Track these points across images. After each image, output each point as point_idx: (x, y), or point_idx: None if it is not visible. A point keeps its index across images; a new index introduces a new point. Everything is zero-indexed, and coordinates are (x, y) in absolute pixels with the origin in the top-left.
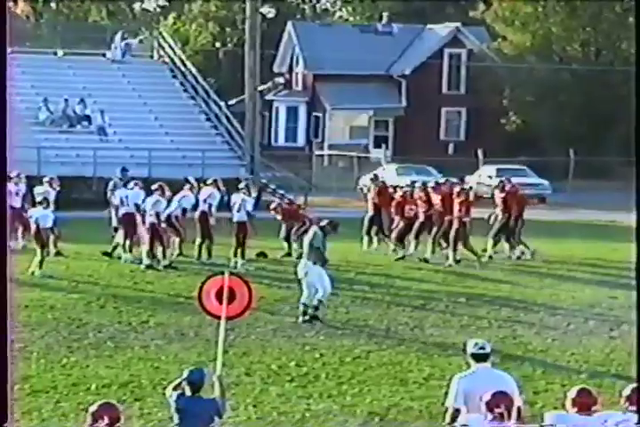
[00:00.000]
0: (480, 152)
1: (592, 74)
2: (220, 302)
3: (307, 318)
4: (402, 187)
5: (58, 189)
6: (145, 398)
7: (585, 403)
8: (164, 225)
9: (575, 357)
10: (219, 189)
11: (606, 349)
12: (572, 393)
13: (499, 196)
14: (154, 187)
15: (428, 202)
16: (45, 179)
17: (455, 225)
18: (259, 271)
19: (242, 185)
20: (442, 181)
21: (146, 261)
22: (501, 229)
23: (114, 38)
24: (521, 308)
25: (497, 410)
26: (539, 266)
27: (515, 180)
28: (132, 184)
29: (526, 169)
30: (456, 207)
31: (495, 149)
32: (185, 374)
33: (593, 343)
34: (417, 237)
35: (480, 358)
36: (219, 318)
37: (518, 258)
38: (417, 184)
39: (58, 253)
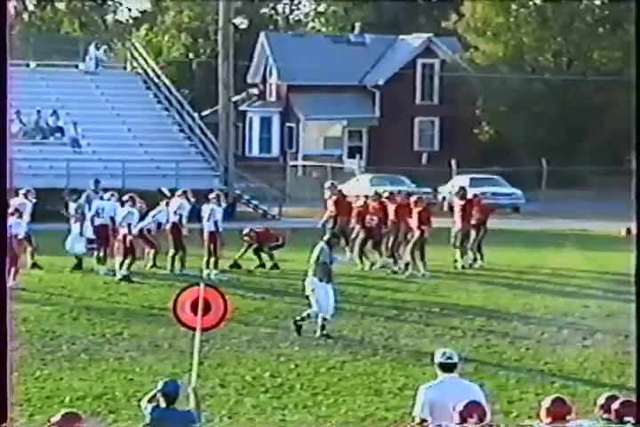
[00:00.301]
0: (453, 162)
1: (564, 84)
2: (195, 314)
3: (324, 332)
4: (359, 196)
5: (34, 200)
6: (119, 410)
7: (559, 412)
8: (134, 237)
9: (549, 366)
10: (188, 200)
11: (580, 357)
12: (547, 402)
13: (458, 204)
14: (125, 198)
15: (384, 212)
16: (22, 191)
17: (416, 234)
18: (232, 282)
19: (212, 195)
20: (396, 191)
21: (119, 273)
22: (463, 238)
23: (87, 50)
24: (494, 317)
25: (470, 420)
26: (512, 275)
27: (488, 189)
28: (108, 195)
29: (499, 179)
30: (415, 217)
31: (468, 159)
32: (159, 386)
33: (566, 352)
34: (375, 247)
35: (447, 367)
36: (194, 329)
37: (470, 266)
38: (371, 194)
39: (34, 265)
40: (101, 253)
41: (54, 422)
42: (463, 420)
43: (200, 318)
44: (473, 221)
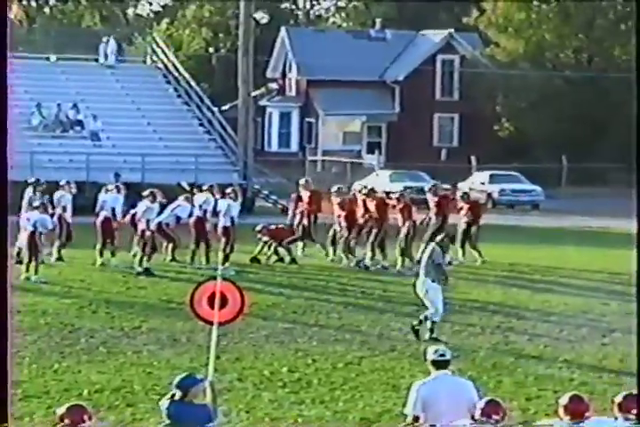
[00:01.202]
0: (473, 158)
1: (585, 80)
2: (212, 308)
3: (434, 335)
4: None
5: (74, 191)
6: (137, 403)
7: (577, 410)
8: (154, 233)
9: (567, 363)
10: (214, 195)
11: (598, 355)
12: (564, 400)
13: (432, 200)
14: (145, 193)
15: (365, 208)
16: (62, 182)
17: (404, 231)
18: (251, 277)
19: (229, 190)
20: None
21: (138, 267)
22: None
23: (108, 43)
24: (513, 314)
25: (494, 417)
26: (531, 272)
27: (508, 186)
28: (111, 188)
29: (519, 175)
30: (398, 213)
31: (488, 156)
32: (176, 380)
33: (585, 350)
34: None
35: (440, 364)
36: (211, 323)
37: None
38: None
39: (59, 259)
40: (107, 247)
41: (60, 415)
42: (488, 417)
43: (217, 312)
44: (465, 219)
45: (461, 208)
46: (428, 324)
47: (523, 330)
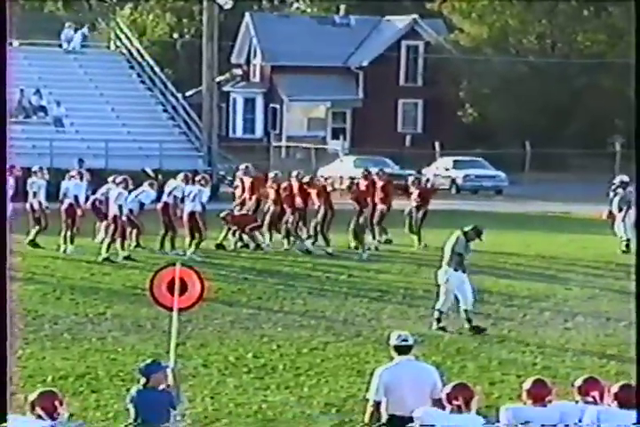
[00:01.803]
0: (437, 144)
1: (548, 66)
2: (172, 294)
3: (441, 325)
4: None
5: (47, 178)
6: (101, 389)
7: (540, 393)
8: (128, 219)
9: (531, 347)
10: (188, 182)
11: (561, 339)
12: (528, 384)
13: (363, 184)
14: (118, 180)
15: (303, 195)
16: (34, 169)
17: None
18: (216, 263)
19: (199, 177)
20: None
21: (104, 253)
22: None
23: (70, 29)
24: (477, 299)
25: (455, 402)
26: (495, 258)
27: (471, 171)
28: (74, 174)
29: (483, 161)
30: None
31: (452, 141)
32: (140, 367)
33: (548, 334)
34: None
35: (403, 350)
36: (171, 309)
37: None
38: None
39: (34, 245)
40: (68, 233)
41: (32, 401)
42: (449, 402)
43: (177, 299)
44: (414, 203)
45: (411, 193)
46: (463, 314)
47: (486, 315)
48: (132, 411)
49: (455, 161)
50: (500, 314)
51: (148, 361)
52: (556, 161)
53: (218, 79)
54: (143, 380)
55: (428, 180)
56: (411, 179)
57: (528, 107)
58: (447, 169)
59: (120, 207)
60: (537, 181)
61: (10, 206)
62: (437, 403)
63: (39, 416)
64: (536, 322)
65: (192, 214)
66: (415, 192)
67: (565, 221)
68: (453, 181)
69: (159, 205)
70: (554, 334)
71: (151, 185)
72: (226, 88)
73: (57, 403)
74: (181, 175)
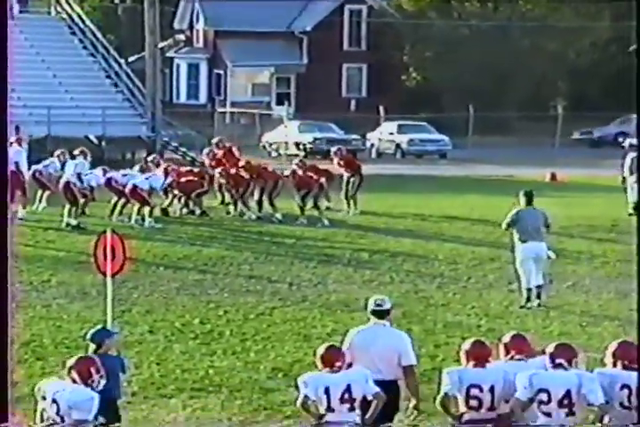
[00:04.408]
0: (382, 108)
1: (491, 30)
2: (105, 260)
3: (539, 301)
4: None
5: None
6: (47, 357)
7: (480, 354)
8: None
9: (475, 310)
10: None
11: (505, 302)
12: (467, 346)
13: (338, 162)
14: (76, 152)
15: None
16: (11, 139)
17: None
18: (161, 229)
19: (77, 151)
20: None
21: (72, 220)
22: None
23: None
24: (422, 263)
25: (337, 364)
26: (439, 221)
27: (416, 136)
28: (12, 141)
29: (427, 125)
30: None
31: (397, 106)
32: (89, 333)
33: (492, 297)
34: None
35: (378, 314)
36: (105, 274)
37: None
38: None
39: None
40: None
41: (70, 366)
42: (330, 366)
43: (110, 264)
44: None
45: (339, 163)
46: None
47: (431, 278)
48: None
49: (400, 125)
50: (445, 278)
51: (98, 327)
52: (499, 124)
53: (161, 45)
54: (93, 346)
55: (347, 149)
56: (333, 149)
57: (471, 70)
58: (392, 133)
59: (79, 175)
60: (480, 145)
61: None
62: (407, 370)
63: (74, 380)
64: (480, 285)
65: (67, 184)
66: (339, 162)
67: (509, 184)
68: (398, 145)
69: (60, 184)
70: (498, 297)
71: (83, 154)
72: (169, 54)
73: (93, 369)
74: (58, 152)
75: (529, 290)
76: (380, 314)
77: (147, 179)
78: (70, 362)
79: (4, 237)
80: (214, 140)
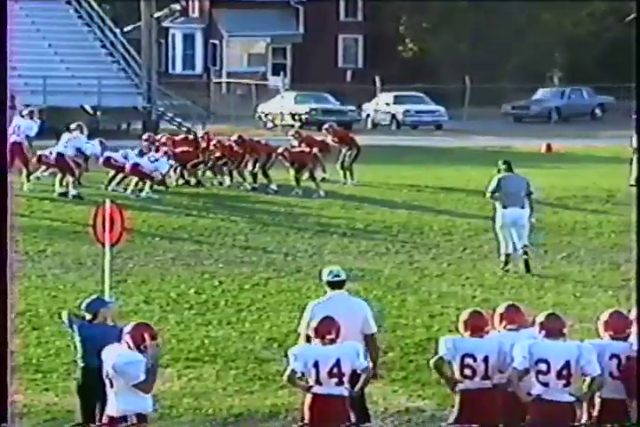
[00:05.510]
0: (378, 79)
1: (487, 0)
2: (104, 230)
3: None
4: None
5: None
6: (43, 327)
7: (477, 325)
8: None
9: (470, 280)
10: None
11: (499, 272)
12: (465, 316)
13: (332, 139)
14: (72, 126)
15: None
16: (24, 112)
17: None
18: (157, 199)
19: (26, 111)
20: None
21: (58, 190)
22: None
23: None
24: (417, 233)
25: (328, 337)
26: (435, 192)
27: (412, 107)
28: (25, 113)
29: (423, 96)
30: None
31: (393, 76)
32: (85, 303)
33: (487, 268)
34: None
35: (335, 285)
36: (103, 245)
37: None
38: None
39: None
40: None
41: (127, 332)
42: (321, 337)
43: (108, 234)
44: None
45: (333, 140)
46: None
47: (426, 249)
48: (80, 346)
49: (395, 96)
50: (440, 249)
51: (94, 297)
52: (495, 96)
53: (156, 15)
54: (88, 316)
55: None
56: (325, 126)
57: (468, 41)
58: (388, 104)
59: (78, 149)
60: (477, 116)
61: None
62: (368, 338)
63: (128, 345)
64: (475, 256)
65: (19, 145)
66: (333, 139)
67: (504, 155)
68: (394, 116)
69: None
70: (492, 268)
71: (79, 129)
72: (165, 24)
73: (147, 335)
74: (73, 126)
75: (507, 255)
76: (339, 284)
77: (152, 162)
78: (128, 328)
79: (4, 236)
80: (200, 133)
